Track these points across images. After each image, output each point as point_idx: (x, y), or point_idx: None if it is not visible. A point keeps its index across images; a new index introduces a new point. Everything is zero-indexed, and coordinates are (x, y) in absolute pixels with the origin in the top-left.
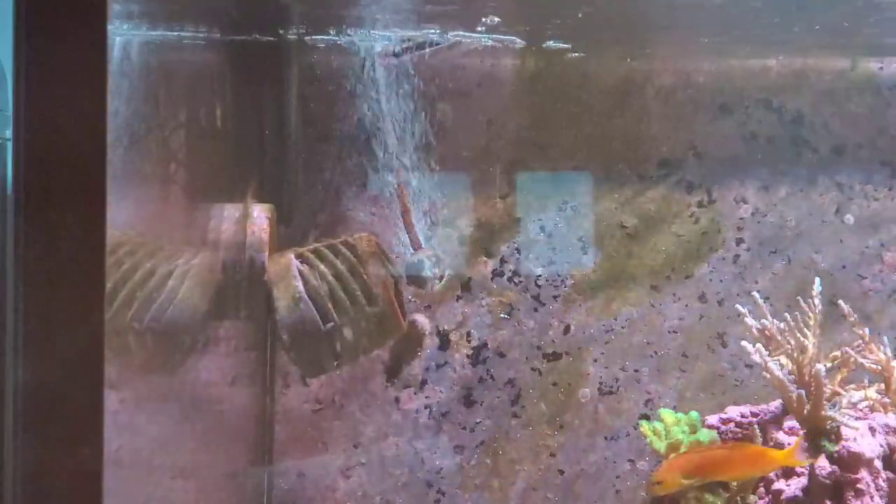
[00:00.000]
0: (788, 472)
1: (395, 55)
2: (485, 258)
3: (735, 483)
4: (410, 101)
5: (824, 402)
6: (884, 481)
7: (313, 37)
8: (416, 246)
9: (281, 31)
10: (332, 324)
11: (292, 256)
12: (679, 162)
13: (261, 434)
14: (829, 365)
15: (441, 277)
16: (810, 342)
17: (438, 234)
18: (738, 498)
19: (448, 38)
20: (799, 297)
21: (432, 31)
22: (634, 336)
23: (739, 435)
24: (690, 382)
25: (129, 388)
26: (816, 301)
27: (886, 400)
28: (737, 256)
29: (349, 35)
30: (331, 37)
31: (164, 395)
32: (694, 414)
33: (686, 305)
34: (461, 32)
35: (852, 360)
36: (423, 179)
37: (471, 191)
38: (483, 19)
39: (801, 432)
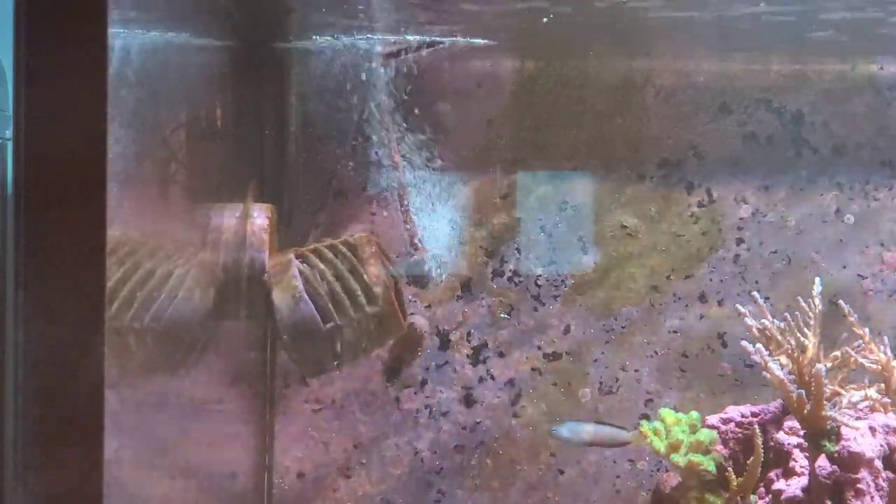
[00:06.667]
0: (789, 472)
1: (395, 56)
2: (485, 258)
3: (735, 483)
4: (410, 100)
5: (824, 402)
6: (884, 481)
7: (313, 38)
8: (415, 245)
9: (281, 33)
10: (332, 324)
11: (292, 256)
12: (679, 162)
13: (261, 434)
14: (829, 365)
15: (441, 277)
16: (810, 342)
17: (438, 234)
18: (739, 498)
19: (444, 40)
20: (799, 297)
21: (429, 33)
22: (634, 336)
23: (739, 435)
24: (690, 382)
25: (129, 388)
26: (816, 301)
27: (886, 400)
28: (737, 256)
29: (349, 36)
30: (331, 38)
31: (164, 395)
32: (694, 414)
33: (686, 305)
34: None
35: (852, 360)
36: (422, 179)
37: (471, 191)
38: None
39: (801, 432)
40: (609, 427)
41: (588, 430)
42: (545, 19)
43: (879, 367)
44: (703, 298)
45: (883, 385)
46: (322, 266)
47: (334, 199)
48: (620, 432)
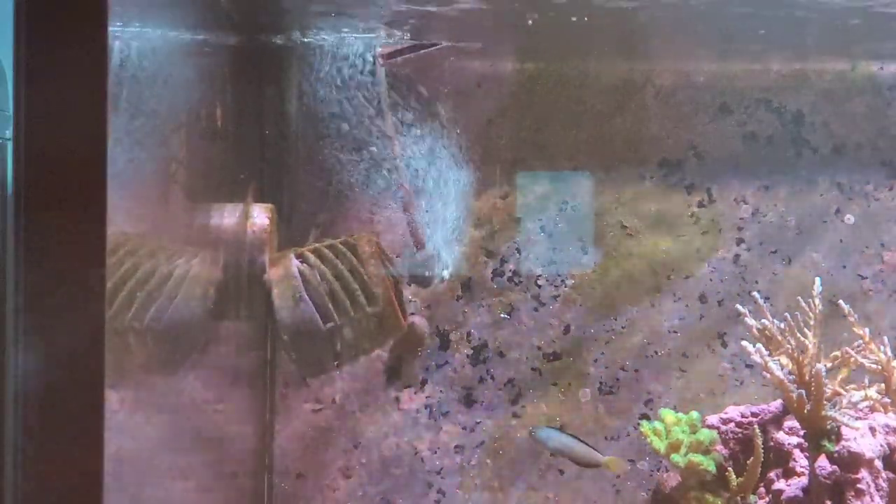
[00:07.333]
0: (789, 472)
1: (394, 55)
2: (485, 258)
3: (735, 483)
4: (410, 100)
5: (825, 402)
6: (884, 481)
7: (313, 37)
8: (420, 245)
9: (281, 32)
10: (332, 324)
11: (292, 256)
12: (679, 162)
13: (261, 434)
14: (829, 365)
15: (444, 276)
16: (810, 342)
17: (438, 234)
18: (739, 498)
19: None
20: (799, 297)
21: (427, 33)
22: (634, 336)
23: (739, 435)
24: (690, 382)
25: (129, 388)
26: (816, 301)
27: (886, 400)
28: (737, 256)
29: (349, 36)
30: (331, 37)
31: (165, 395)
32: (694, 414)
33: (686, 305)
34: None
35: (852, 360)
36: (423, 179)
37: (471, 191)
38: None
39: (802, 432)
40: (586, 447)
41: (565, 443)
42: (530, 21)
43: (879, 367)
44: (703, 298)
45: (883, 385)
46: (322, 266)
47: (334, 199)
48: (595, 454)
